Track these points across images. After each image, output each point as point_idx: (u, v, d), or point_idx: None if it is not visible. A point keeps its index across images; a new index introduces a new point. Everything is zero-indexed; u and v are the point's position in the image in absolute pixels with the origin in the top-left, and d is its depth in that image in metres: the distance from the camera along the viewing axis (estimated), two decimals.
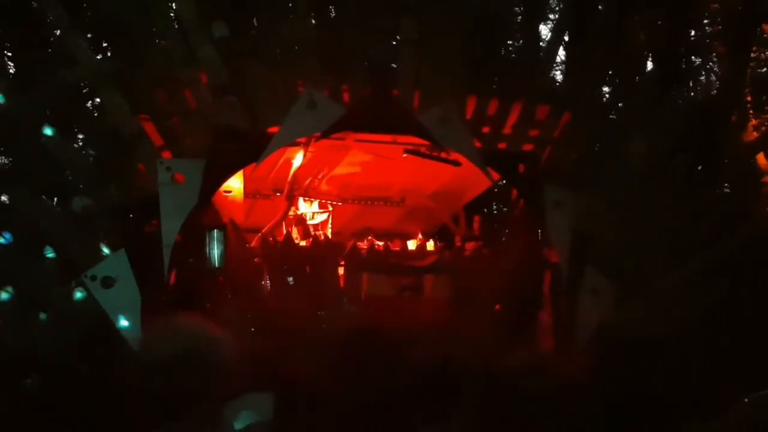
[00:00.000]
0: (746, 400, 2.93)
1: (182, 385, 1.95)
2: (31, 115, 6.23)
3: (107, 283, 5.79)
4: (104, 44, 9.74)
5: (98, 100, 8.00)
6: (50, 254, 6.07)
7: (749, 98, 12.73)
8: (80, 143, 8.00)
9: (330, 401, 3.14)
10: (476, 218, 9.13)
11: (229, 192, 7.78)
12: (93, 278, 5.78)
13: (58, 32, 7.36)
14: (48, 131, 6.05)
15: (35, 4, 9.62)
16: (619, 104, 8.65)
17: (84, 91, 8.66)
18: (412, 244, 9.09)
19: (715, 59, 13.85)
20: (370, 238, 8.79)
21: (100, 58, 6.77)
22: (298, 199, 9.01)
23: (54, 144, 6.13)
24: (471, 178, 8.16)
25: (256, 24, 7.81)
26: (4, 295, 5.93)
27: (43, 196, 6.35)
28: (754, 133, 12.51)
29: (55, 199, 6.90)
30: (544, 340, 6.74)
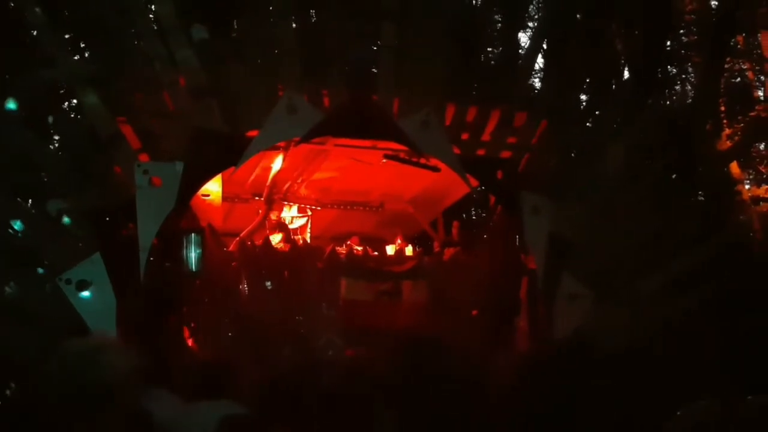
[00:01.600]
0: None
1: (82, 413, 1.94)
2: (6, 116, 6.14)
3: (82, 286, 5.72)
4: (82, 45, 9.67)
5: (75, 101, 7.92)
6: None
7: (723, 108, 12.96)
8: (56, 145, 7.92)
9: (306, 404, 3.13)
10: (455, 224, 9.17)
11: (208, 195, 7.74)
12: (68, 281, 5.70)
13: (35, 32, 7.27)
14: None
15: (12, 4, 9.51)
16: (596, 112, 8.75)
17: (61, 91, 8.56)
18: (390, 249, 9.10)
19: (690, 69, 14.07)
20: (348, 243, 8.79)
21: (78, 59, 6.67)
22: (277, 203, 8.99)
23: (30, 145, 6.06)
24: (450, 184, 8.20)
25: (236, 27, 7.79)
26: None
27: (18, 198, 6.25)
28: (728, 142, 12.73)
29: (30, 201, 6.82)
30: (520, 346, 6.79)
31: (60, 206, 5.95)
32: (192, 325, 6.88)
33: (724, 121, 12.90)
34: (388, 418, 1.63)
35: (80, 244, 5.98)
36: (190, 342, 6.77)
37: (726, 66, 13.04)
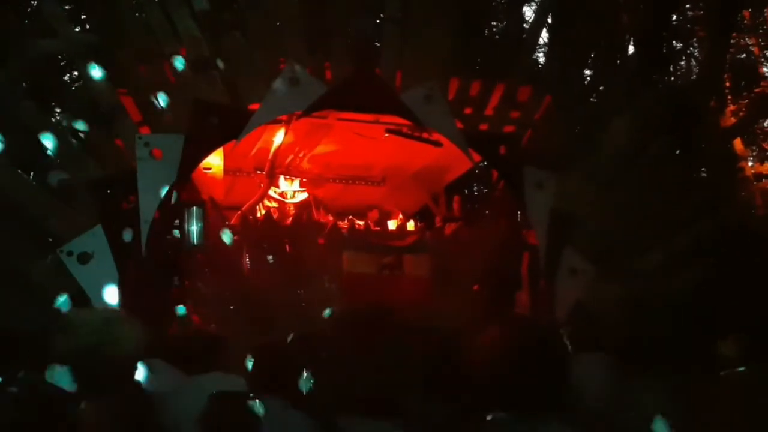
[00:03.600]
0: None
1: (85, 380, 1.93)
2: (7, 87, 6.10)
3: (84, 258, 5.72)
4: (83, 16, 9.59)
5: (76, 73, 7.87)
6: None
7: (728, 84, 12.87)
8: (57, 116, 7.88)
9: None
10: (455, 198, 9.16)
11: (209, 169, 7.73)
12: (69, 254, 5.71)
13: (35, 2, 7.21)
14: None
15: None
16: (600, 87, 8.69)
17: (62, 63, 8.51)
18: (392, 224, 9.10)
19: (695, 44, 13.96)
20: (350, 217, 8.79)
21: (79, 30, 6.62)
22: (278, 177, 8.97)
23: (31, 117, 6.03)
24: (452, 159, 8.17)
25: None
26: None
27: (19, 170, 6.23)
28: (732, 118, 12.66)
29: (32, 172, 6.80)
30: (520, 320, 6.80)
31: (61, 178, 5.93)
32: (193, 298, 6.90)
33: (729, 97, 12.82)
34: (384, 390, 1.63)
35: (82, 217, 5.97)
36: (191, 315, 6.79)
37: (732, 41, 12.92)
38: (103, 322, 2.16)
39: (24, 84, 6.65)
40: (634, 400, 2.69)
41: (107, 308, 5.26)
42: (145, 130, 6.40)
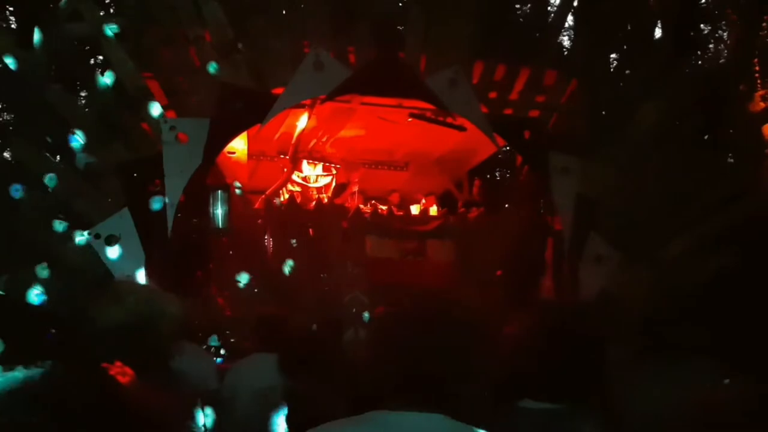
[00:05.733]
0: None
1: (126, 356, 1.90)
2: (35, 71, 6.16)
3: (111, 241, 5.79)
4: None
5: (102, 57, 7.92)
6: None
7: (758, 68, 12.61)
8: (84, 100, 7.95)
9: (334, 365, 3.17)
10: (476, 183, 9.13)
11: (233, 153, 7.76)
12: (97, 236, 5.78)
13: None
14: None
15: None
16: (627, 71, 8.56)
17: (88, 47, 8.57)
18: (415, 209, 9.09)
19: (725, 27, 13.69)
20: (373, 202, 8.79)
21: (105, 14, 6.65)
22: (302, 161, 8.99)
23: (58, 100, 6.09)
24: (476, 144, 8.13)
25: None
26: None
27: (47, 153, 6.31)
28: (762, 103, 12.41)
29: (59, 156, 6.87)
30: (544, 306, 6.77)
31: (88, 161, 5.99)
32: (217, 281, 6.96)
33: (758, 81, 12.57)
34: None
35: (109, 200, 6.04)
36: (216, 297, 6.86)
37: (763, 25, 12.65)
38: (149, 293, 2.16)
39: (51, 67, 6.69)
40: (653, 388, 2.67)
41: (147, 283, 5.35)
42: (170, 114, 6.44)
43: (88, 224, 5.85)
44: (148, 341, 2.03)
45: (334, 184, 9.27)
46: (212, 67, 6.22)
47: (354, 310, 6.08)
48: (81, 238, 5.76)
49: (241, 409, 3.52)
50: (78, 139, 5.85)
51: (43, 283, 5.48)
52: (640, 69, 7.74)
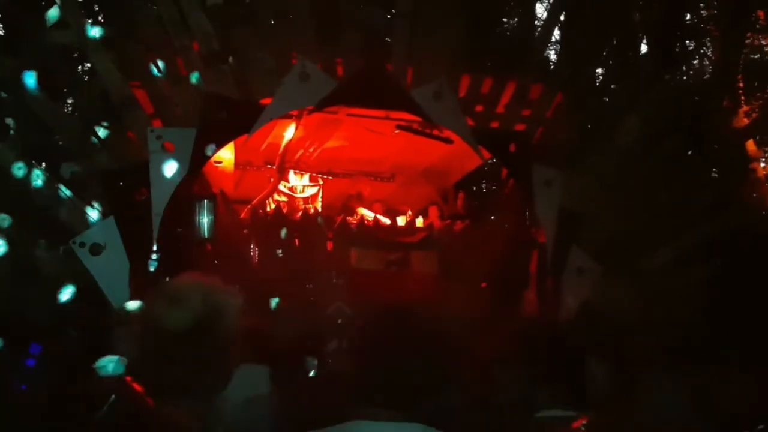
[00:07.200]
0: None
1: (191, 355, 1.83)
2: (20, 78, 6.14)
3: (96, 250, 5.76)
4: (95, 8, 9.63)
5: (89, 65, 7.91)
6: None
7: (741, 84, 12.77)
8: (70, 108, 7.93)
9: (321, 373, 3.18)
10: (460, 195, 9.16)
11: (220, 162, 7.74)
12: (81, 245, 5.75)
13: None
14: None
15: None
16: (612, 85, 8.67)
17: (74, 55, 8.55)
18: (401, 220, 9.10)
19: (709, 43, 13.86)
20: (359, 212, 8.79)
21: (91, 22, 6.64)
22: (288, 171, 8.98)
23: (43, 108, 6.07)
24: (462, 156, 8.16)
25: None
26: None
27: (32, 161, 6.28)
28: (745, 119, 12.56)
29: (44, 164, 6.84)
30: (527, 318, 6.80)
31: (73, 169, 5.97)
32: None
33: (742, 97, 12.72)
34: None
35: (94, 208, 6.02)
36: None
37: (746, 41, 12.83)
38: (207, 290, 2.03)
39: (36, 75, 6.68)
40: (639, 398, 2.69)
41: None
42: (157, 123, 6.43)
43: (72, 233, 5.82)
44: (215, 338, 1.94)
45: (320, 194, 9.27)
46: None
47: (338, 321, 6.06)
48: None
49: (226, 419, 3.49)
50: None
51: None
52: (625, 83, 7.84)
